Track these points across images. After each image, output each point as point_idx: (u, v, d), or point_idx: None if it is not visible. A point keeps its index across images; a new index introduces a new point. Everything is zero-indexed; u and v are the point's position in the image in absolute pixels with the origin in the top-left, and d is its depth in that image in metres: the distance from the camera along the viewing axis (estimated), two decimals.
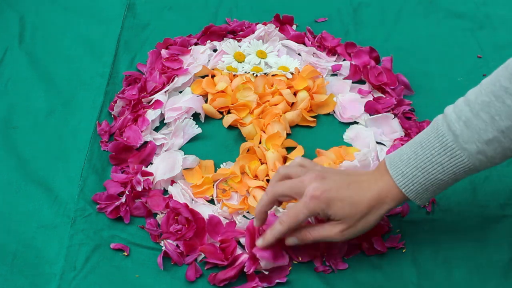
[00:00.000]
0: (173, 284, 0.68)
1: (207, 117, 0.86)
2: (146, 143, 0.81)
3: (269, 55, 0.93)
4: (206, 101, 0.87)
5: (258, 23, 0.98)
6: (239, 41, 0.96)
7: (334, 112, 0.87)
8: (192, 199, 0.76)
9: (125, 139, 0.81)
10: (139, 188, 0.75)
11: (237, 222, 0.72)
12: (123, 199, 0.74)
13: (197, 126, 0.83)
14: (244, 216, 0.74)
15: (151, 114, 0.84)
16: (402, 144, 0.72)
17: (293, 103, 0.86)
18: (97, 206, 0.75)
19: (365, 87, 0.89)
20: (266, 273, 0.68)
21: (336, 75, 0.92)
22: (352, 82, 0.89)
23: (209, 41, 0.96)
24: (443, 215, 0.74)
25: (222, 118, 0.85)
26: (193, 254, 0.70)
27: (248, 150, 0.80)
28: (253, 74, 0.90)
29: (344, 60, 0.93)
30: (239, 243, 0.71)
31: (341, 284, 0.68)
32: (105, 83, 0.91)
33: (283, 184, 0.67)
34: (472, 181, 0.77)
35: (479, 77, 0.65)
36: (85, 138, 0.83)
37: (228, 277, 0.67)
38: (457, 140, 0.61)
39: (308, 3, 1.05)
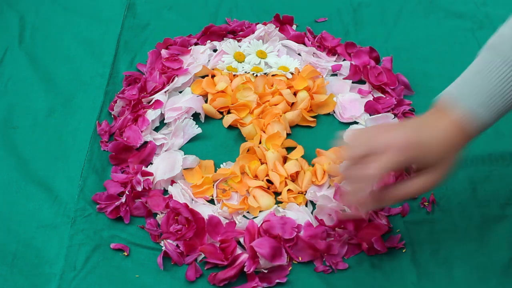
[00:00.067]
0: (173, 284, 0.68)
1: (207, 117, 0.86)
2: (146, 143, 0.81)
3: (269, 55, 0.93)
4: (206, 101, 0.87)
5: (258, 23, 0.98)
6: (239, 41, 0.95)
7: (334, 112, 0.87)
8: (192, 199, 0.76)
9: (125, 139, 0.81)
10: (139, 188, 0.75)
11: (237, 222, 0.72)
12: (123, 199, 0.74)
13: (197, 126, 0.83)
14: (244, 216, 0.74)
15: (151, 114, 0.84)
16: None
17: (293, 103, 0.86)
18: (97, 206, 0.75)
19: (365, 87, 0.89)
20: (265, 271, 0.68)
21: (336, 75, 0.92)
22: (352, 82, 0.89)
23: (209, 41, 0.96)
24: (443, 215, 0.74)
25: (222, 118, 0.85)
26: (193, 254, 0.70)
27: (248, 150, 0.80)
28: (253, 74, 0.89)
29: (344, 60, 0.93)
30: (239, 243, 0.71)
31: (341, 284, 0.68)
32: (105, 83, 0.91)
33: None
34: (472, 181, 0.77)
35: None
36: (85, 138, 0.83)
37: (228, 277, 0.67)
38: None
39: (308, 3, 1.05)
